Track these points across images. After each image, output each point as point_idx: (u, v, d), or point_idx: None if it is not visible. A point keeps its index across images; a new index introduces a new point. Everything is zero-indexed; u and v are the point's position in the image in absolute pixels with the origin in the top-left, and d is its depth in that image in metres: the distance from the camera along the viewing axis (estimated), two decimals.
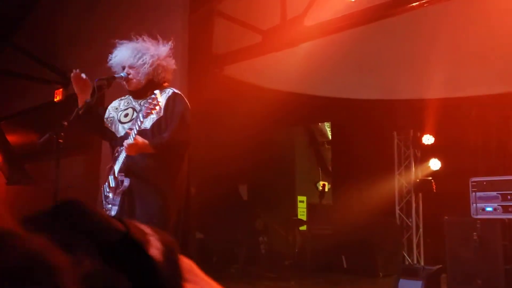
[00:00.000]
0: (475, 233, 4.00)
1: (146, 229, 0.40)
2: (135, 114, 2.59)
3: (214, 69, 5.50)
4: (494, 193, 4.10)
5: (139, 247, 0.37)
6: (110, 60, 2.65)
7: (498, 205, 4.06)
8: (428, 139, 6.50)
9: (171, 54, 2.68)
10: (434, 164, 6.48)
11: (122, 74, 2.59)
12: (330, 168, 9.13)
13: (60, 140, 2.38)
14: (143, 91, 2.61)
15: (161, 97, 2.50)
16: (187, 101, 2.61)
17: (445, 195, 6.40)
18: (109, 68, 2.69)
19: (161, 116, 2.50)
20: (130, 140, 2.35)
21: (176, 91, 2.61)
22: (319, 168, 9.88)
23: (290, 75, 6.67)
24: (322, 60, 6.42)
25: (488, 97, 6.56)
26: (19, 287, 0.29)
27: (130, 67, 2.58)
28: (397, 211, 6.75)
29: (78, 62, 6.74)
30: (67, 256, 0.32)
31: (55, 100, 6.92)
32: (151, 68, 2.57)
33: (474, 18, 5.63)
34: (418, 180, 6.55)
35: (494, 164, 6.36)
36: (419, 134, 6.64)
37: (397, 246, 6.39)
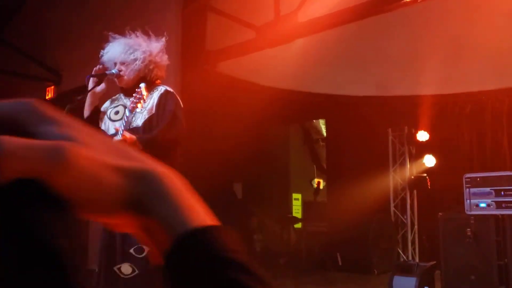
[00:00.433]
0: (469, 229, 4.00)
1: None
2: (125, 111, 2.56)
3: (207, 66, 5.47)
4: (488, 189, 4.11)
5: None
6: (102, 55, 2.62)
7: (492, 201, 4.07)
8: (422, 136, 6.50)
9: (164, 50, 2.64)
10: (429, 160, 6.49)
11: (113, 71, 2.54)
12: (324, 165, 9.13)
13: None
14: (134, 89, 2.57)
15: (154, 94, 2.47)
16: (179, 99, 2.58)
17: (440, 192, 6.42)
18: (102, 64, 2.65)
19: (153, 114, 2.47)
20: (118, 137, 2.32)
21: (168, 88, 2.58)
22: (314, 166, 9.89)
23: (284, 72, 6.65)
24: (317, 57, 6.40)
25: (482, 93, 6.58)
26: None
27: (122, 63, 2.54)
28: (392, 208, 6.75)
29: (69, 59, 6.67)
30: None
31: (47, 97, 6.85)
32: (142, 64, 2.53)
33: (468, 14, 5.63)
34: (412, 177, 6.56)
35: (488, 160, 6.38)
36: (413, 131, 6.65)
37: (392, 243, 6.40)
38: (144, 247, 2.33)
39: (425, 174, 6.38)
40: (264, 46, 5.03)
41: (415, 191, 6.66)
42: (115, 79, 2.57)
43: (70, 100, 2.54)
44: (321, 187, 8.85)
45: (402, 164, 6.78)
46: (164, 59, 2.63)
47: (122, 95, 2.66)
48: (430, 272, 4.35)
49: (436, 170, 6.47)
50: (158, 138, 2.39)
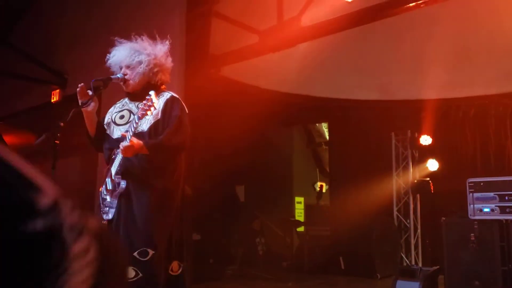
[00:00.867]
0: (472, 234, 3.99)
1: None
2: (131, 116, 2.56)
3: (211, 70, 5.49)
4: (492, 194, 4.09)
5: None
6: (108, 60, 2.64)
7: (496, 206, 4.05)
8: (426, 140, 6.49)
9: (168, 53, 2.66)
10: (432, 165, 6.47)
11: (118, 75, 2.56)
12: (327, 169, 9.12)
13: (56, 141, 2.36)
14: (140, 94, 2.59)
15: (159, 100, 2.48)
16: (184, 105, 2.60)
17: (443, 196, 6.40)
18: (107, 68, 2.67)
19: (159, 119, 2.48)
20: (126, 142, 2.32)
21: (174, 94, 2.60)
22: (317, 169, 9.88)
23: (287, 76, 6.66)
24: (320, 61, 6.41)
25: (486, 98, 6.57)
26: None
27: (127, 67, 2.56)
28: (395, 212, 6.74)
29: (75, 62, 6.72)
30: None
31: (52, 100, 6.89)
32: (147, 68, 2.54)
33: (471, 19, 5.64)
34: (416, 181, 6.55)
35: (492, 164, 6.37)
36: (416, 135, 6.64)
37: (395, 247, 6.39)
38: (149, 250, 2.33)
39: (428, 178, 6.37)
40: (267, 50, 5.05)
41: (418, 195, 6.64)
42: (121, 83, 2.59)
43: (75, 104, 2.56)
44: (323, 190, 8.84)
45: (405, 168, 6.78)
46: (168, 62, 2.65)
47: (127, 100, 2.67)
48: (434, 277, 4.34)
49: (439, 174, 6.46)
50: (164, 144, 2.41)
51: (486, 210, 4.08)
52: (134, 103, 2.62)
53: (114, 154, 2.50)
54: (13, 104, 7.97)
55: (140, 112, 2.28)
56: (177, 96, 2.61)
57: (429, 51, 5.86)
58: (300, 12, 4.78)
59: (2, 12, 7.51)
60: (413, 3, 3.96)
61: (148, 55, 2.56)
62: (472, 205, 4.15)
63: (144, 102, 2.28)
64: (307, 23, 4.76)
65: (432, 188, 6.27)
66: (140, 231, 2.35)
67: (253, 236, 7.50)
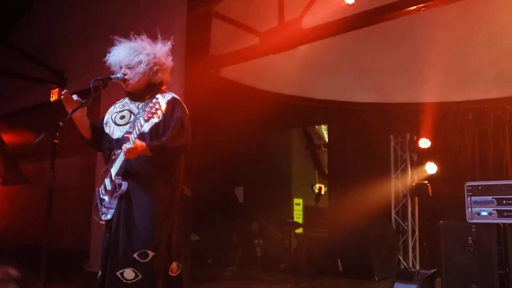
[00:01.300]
0: (470, 238, 4.00)
1: None
2: (132, 116, 2.55)
3: (210, 71, 5.50)
4: (490, 198, 4.10)
5: None
6: (107, 59, 2.63)
7: (493, 209, 4.06)
8: (424, 143, 6.50)
9: (169, 53, 2.65)
10: (430, 168, 6.48)
11: (118, 75, 2.55)
12: (326, 171, 9.13)
13: (55, 140, 2.35)
14: (141, 94, 2.58)
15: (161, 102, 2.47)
16: (185, 107, 2.60)
17: (441, 199, 6.41)
18: (107, 67, 2.66)
19: (160, 120, 2.46)
20: (129, 144, 2.30)
21: (175, 96, 2.59)
22: (316, 171, 9.89)
23: (287, 78, 6.67)
24: (319, 63, 6.42)
25: (484, 102, 6.58)
26: None
27: (127, 66, 2.55)
28: (393, 215, 6.75)
29: (74, 61, 6.72)
30: None
31: (51, 99, 6.90)
32: (147, 67, 2.53)
33: (471, 23, 5.65)
34: (414, 184, 6.55)
35: (490, 168, 6.38)
36: (415, 138, 6.65)
37: (393, 250, 6.39)
38: (148, 251, 2.33)
39: (426, 182, 6.38)
40: (267, 52, 5.06)
41: (416, 198, 6.65)
42: (122, 83, 2.58)
43: (75, 104, 2.55)
44: (322, 192, 8.85)
45: (404, 171, 6.78)
46: (168, 62, 2.64)
47: (127, 100, 2.66)
48: (431, 279, 4.34)
49: (438, 178, 6.47)
50: (167, 146, 2.40)
51: (484, 213, 4.09)
52: (135, 103, 2.61)
53: (114, 154, 2.49)
54: (13, 103, 7.98)
55: (146, 115, 2.25)
56: (178, 98, 2.60)
57: (428, 55, 5.87)
58: (301, 14, 4.79)
59: (2, 11, 7.51)
60: (414, 7, 3.98)
61: (148, 54, 2.55)
62: (470, 209, 4.16)
63: (150, 104, 2.25)
64: (307, 25, 4.77)
65: (430, 191, 6.28)
66: (140, 232, 2.34)
67: (252, 237, 7.50)
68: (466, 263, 4.01)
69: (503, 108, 6.48)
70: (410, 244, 6.55)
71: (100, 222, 2.53)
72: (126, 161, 2.40)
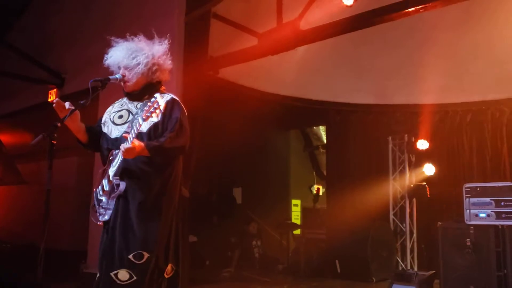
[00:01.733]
0: (468, 239, 4.00)
1: None
2: (130, 116, 2.55)
3: (209, 71, 5.49)
4: (488, 199, 4.11)
5: None
6: (106, 60, 2.62)
7: (492, 211, 4.07)
8: (422, 144, 6.51)
9: (167, 53, 2.65)
10: (429, 169, 6.49)
11: (117, 76, 2.55)
12: (324, 172, 9.13)
13: (53, 141, 2.34)
14: (140, 94, 2.58)
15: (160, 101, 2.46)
16: (184, 108, 2.59)
17: (439, 201, 6.42)
18: (104, 68, 2.65)
19: (158, 121, 2.46)
20: (127, 144, 2.29)
21: (174, 96, 2.59)
22: (314, 172, 9.89)
23: (286, 79, 6.68)
24: (318, 64, 6.43)
25: (482, 103, 6.60)
26: None
27: (125, 67, 2.55)
28: (391, 216, 6.75)
29: (72, 62, 6.70)
30: None
31: (49, 100, 6.87)
32: (145, 68, 2.53)
33: (469, 25, 5.67)
34: (412, 185, 6.55)
35: (488, 170, 6.39)
36: (413, 139, 6.66)
37: (391, 251, 6.39)
38: (144, 253, 2.32)
39: (424, 183, 6.38)
40: (266, 53, 5.05)
41: (414, 200, 6.65)
42: (121, 83, 2.58)
43: (73, 104, 2.55)
44: (320, 193, 8.84)
45: (402, 172, 6.79)
46: (167, 62, 2.64)
47: (126, 100, 2.66)
48: (429, 281, 4.34)
49: (436, 179, 6.47)
50: (165, 146, 2.39)
51: (482, 215, 4.10)
52: (133, 103, 2.61)
53: (112, 155, 2.48)
54: (10, 104, 7.95)
55: (145, 114, 2.24)
56: (177, 98, 2.60)
57: (426, 56, 5.88)
58: (299, 15, 4.79)
59: (0, 12, 7.49)
60: (412, 8, 3.98)
61: (146, 56, 2.55)
62: (468, 210, 4.16)
63: (149, 104, 2.24)
64: (306, 26, 4.77)
65: (428, 193, 6.29)
66: (136, 233, 2.33)
67: (250, 238, 7.49)
68: (465, 265, 4.01)
69: (501, 110, 6.50)
70: (408, 246, 6.55)
71: (98, 223, 2.52)
72: (124, 162, 2.39)
